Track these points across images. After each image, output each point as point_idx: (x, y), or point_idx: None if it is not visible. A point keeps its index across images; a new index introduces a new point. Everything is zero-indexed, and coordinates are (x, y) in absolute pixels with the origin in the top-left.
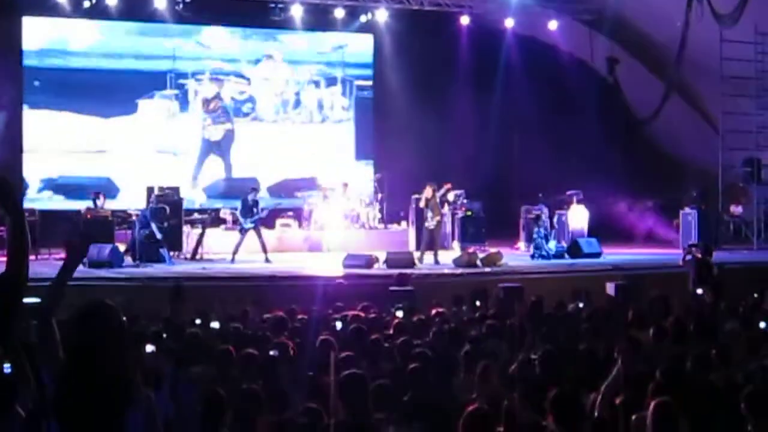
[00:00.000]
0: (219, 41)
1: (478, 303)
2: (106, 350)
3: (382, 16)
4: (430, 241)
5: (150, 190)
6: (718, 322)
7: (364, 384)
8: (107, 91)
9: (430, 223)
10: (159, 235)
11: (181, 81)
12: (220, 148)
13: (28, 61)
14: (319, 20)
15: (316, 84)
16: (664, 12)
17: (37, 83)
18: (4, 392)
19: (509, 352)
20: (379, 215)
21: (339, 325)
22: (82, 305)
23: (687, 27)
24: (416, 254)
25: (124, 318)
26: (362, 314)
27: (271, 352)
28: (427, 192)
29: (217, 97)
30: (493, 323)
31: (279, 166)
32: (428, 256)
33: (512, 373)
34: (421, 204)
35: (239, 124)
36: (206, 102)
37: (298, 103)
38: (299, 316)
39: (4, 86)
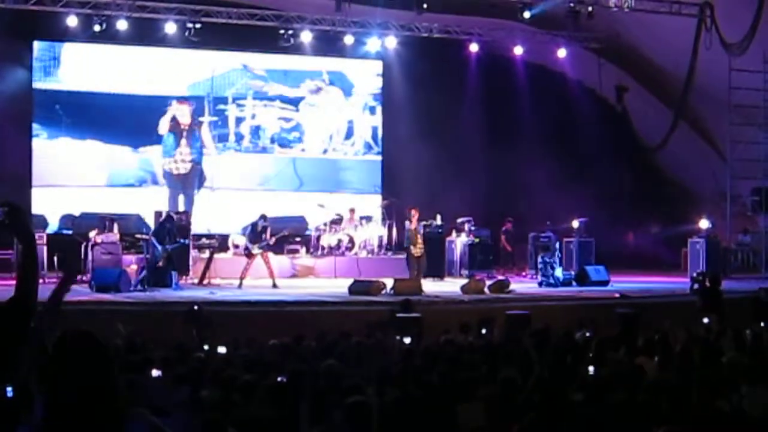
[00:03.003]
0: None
1: (484, 331)
2: (84, 380)
3: (391, 43)
4: (417, 267)
5: (158, 213)
6: (724, 351)
7: (370, 411)
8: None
9: (417, 250)
10: (159, 255)
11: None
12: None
13: (40, 85)
14: (328, 47)
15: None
16: (673, 40)
17: (58, 107)
18: (5, 416)
19: (518, 380)
20: (386, 242)
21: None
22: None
23: (696, 56)
24: (423, 282)
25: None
26: (368, 340)
27: (279, 379)
28: (415, 217)
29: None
30: (500, 351)
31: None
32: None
33: (518, 402)
34: (414, 229)
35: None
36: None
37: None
38: (305, 343)
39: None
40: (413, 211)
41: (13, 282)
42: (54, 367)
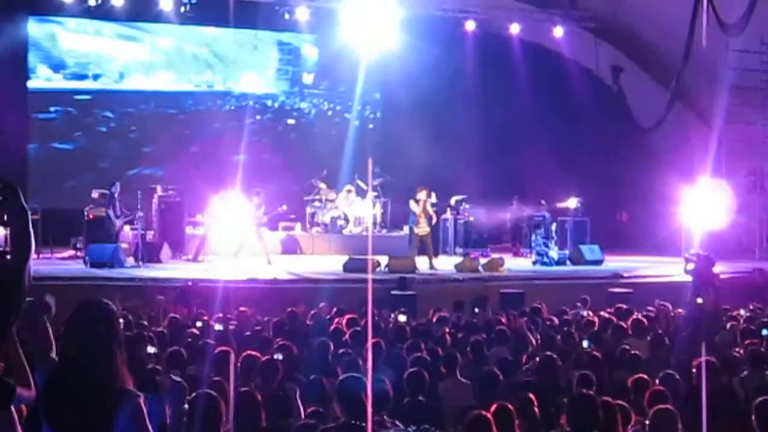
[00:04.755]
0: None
1: (476, 309)
2: (99, 352)
3: (388, 20)
4: (422, 246)
5: (151, 190)
6: (718, 331)
7: (362, 387)
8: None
9: (421, 229)
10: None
11: None
12: None
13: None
14: (324, 23)
15: None
16: (670, 21)
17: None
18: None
19: (511, 358)
20: (380, 220)
21: (338, 327)
22: (78, 306)
23: (692, 36)
24: (418, 259)
25: (122, 319)
26: (361, 317)
27: (275, 356)
28: (421, 197)
29: None
30: (493, 329)
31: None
32: (423, 262)
33: (512, 380)
34: (415, 209)
35: None
36: None
37: None
38: (299, 319)
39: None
40: (421, 191)
41: None
42: (69, 331)
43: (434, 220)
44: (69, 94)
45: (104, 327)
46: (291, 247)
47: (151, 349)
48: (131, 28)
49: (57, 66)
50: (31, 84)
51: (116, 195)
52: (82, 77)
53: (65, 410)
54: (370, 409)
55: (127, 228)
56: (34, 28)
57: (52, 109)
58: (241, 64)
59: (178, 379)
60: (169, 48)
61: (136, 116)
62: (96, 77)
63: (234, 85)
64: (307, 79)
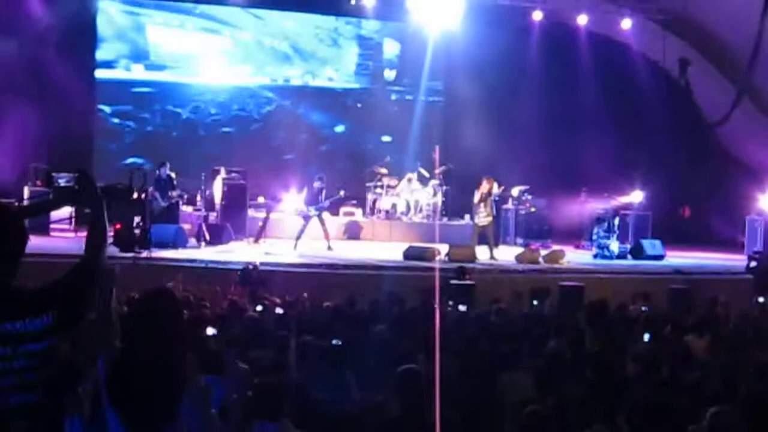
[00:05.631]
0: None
1: (535, 302)
2: (163, 339)
3: (456, 10)
4: (482, 237)
5: (213, 171)
6: None
7: (420, 379)
8: None
9: (482, 220)
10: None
11: None
12: None
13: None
14: (389, 11)
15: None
16: (740, 14)
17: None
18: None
19: (569, 352)
20: (442, 208)
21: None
22: (142, 295)
23: (762, 31)
24: (478, 249)
25: (184, 300)
26: (422, 306)
27: (334, 342)
28: (484, 187)
29: None
30: (553, 321)
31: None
32: (483, 252)
33: (569, 374)
34: (475, 199)
35: None
36: None
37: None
38: (358, 305)
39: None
40: (484, 181)
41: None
42: (134, 324)
43: (492, 211)
44: (143, 84)
45: (169, 317)
46: (352, 233)
47: (210, 331)
48: (213, 21)
49: (140, 57)
50: (111, 74)
51: (165, 176)
52: (161, 68)
53: (131, 398)
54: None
55: (189, 208)
56: (122, 19)
57: (124, 96)
58: (320, 59)
59: (243, 365)
60: (248, 40)
61: (210, 105)
62: (173, 69)
63: (311, 79)
64: (389, 75)
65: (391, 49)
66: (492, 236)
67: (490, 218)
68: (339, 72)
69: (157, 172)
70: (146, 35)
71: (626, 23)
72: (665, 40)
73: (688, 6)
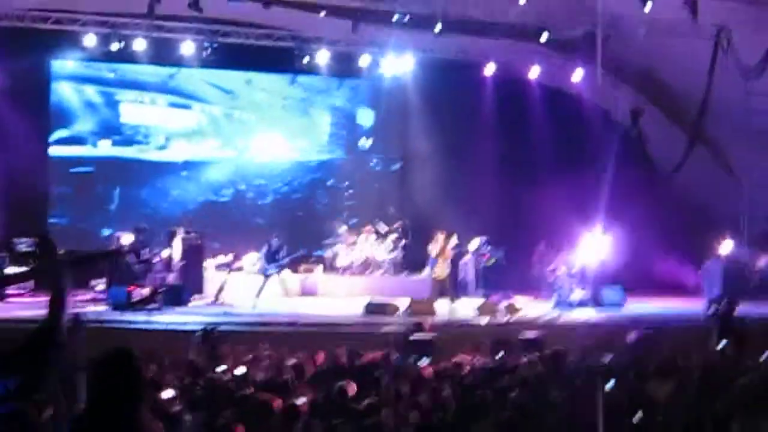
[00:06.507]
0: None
1: (501, 353)
2: (123, 401)
3: (407, 64)
4: (441, 289)
5: (171, 233)
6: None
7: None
8: None
9: (439, 273)
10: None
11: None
12: None
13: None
14: (343, 67)
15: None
16: (689, 63)
17: None
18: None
19: (532, 403)
20: (402, 262)
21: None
22: (101, 356)
23: (712, 79)
24: (438, 302)
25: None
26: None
27: (299, 401)
28: (440, 240)
29: None
30: (516, 374)
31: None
32: (444, 306)
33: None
34: (433, 253)
35: None
36: None
37: None
38: (319, 362)
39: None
40: (438, 233)
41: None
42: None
43: (449, 263)
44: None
45: (128, 377)
46: (311, 290)
47: (169, 394)
48: (182, 96)
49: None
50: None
51: (140, 239)
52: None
53: None
54: None
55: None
56: (94, 94)
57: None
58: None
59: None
60: (218, 115)
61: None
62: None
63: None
64: (365, 143)
65: (365, 118)
66: (450, 288)
67: (448, 270)
68: (312, 143)
69: (134, 235)
70: (112, 111)
71: (577, 75)
72: (617, 90)
73: (638, 57)
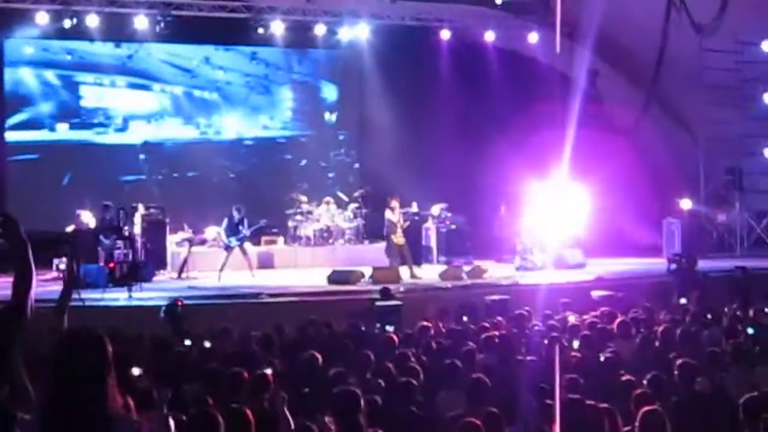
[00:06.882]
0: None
1: (465, 317)
2: (90, 382)
3: (363, 32)
4: (402, 256)
5: (131, 209)
6: (702, 331)
7: (357, 400)
8: None
9: (399, 239)
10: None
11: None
12: None
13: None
14: (299, 37)
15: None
16: (643, 22)
17: None
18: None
19: (501, 365)
20: (363, 230)
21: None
22: (64, 335)
23: (666, 37)
24: (401, 269)
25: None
26: (350, 330)
27: (264, 371)
28: (395, 206)
29: None
30: (481, 337)
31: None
32: (405, 272)
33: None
34: (394, 219)
35: None
36: None
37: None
38: (286, 333)
39: None
40: (394, 200)
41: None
42: (57, 361)
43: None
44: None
45: (94, 355)
46: (274, 261)
47: (136, 371)
48: (141, 77)
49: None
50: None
51: (108, 217)
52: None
53: None
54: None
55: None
56: (52, 77)
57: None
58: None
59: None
60: (178, 94)
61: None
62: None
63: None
64: (330, 117)
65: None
66: (409, 254)
67: (403, 236)
68: (274, 119)
69: (101, 214)
70: (71, 94)
71: (533, 37)
72: (572, 52)
73: (592, 17)
